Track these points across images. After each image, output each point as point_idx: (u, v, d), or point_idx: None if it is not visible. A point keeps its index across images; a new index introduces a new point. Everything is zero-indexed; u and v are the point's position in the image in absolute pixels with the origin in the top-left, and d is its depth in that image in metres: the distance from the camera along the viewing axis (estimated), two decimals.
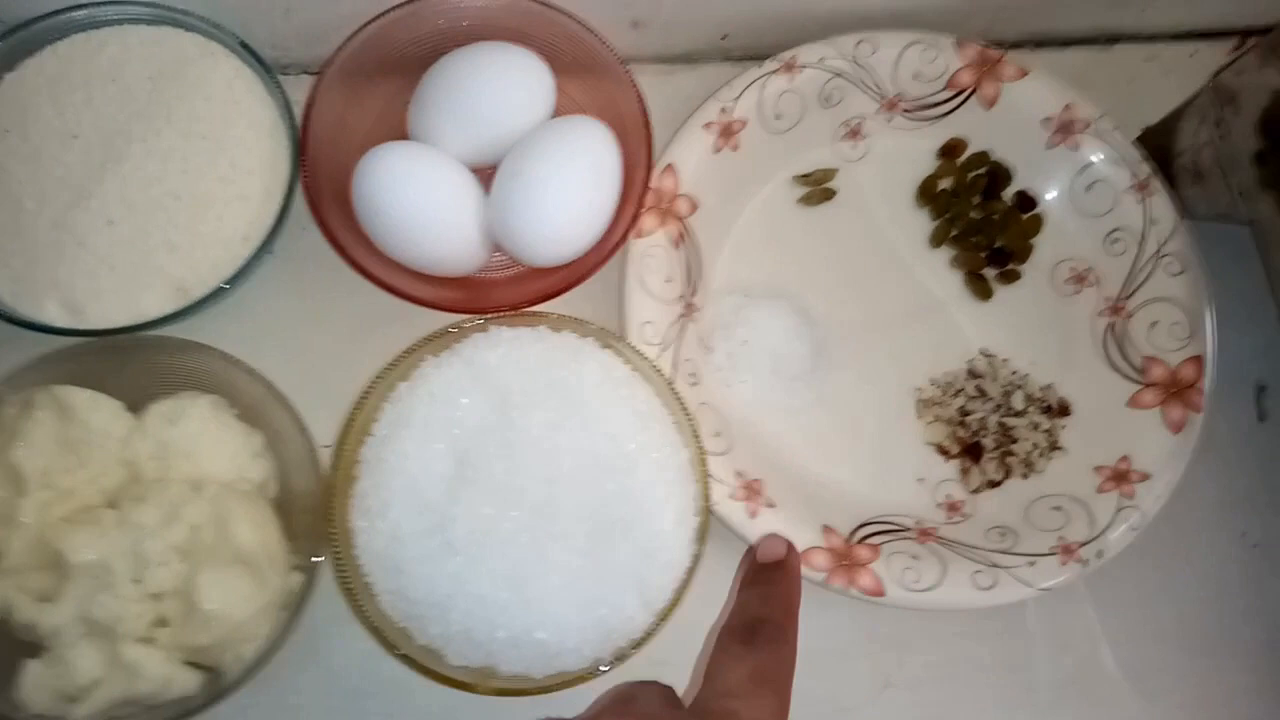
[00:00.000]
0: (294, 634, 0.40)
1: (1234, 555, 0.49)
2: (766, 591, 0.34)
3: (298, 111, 0.45)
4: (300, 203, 0.44)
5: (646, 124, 0.45)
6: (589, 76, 0.47)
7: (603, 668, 0.38)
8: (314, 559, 0.40)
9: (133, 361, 0.42)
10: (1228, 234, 0.48)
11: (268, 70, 0.46)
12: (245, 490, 0.41)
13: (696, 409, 0.45)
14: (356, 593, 0.38)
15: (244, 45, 0.46)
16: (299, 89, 0.46)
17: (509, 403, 0.40)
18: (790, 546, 0.35)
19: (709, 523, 0.41)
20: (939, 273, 0.50)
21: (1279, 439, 0.50)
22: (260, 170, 0.45)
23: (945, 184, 0.51)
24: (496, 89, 0.44)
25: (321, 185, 0.44)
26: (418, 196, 0.42)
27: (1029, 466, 0.47)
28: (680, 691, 0.30)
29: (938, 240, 0.50)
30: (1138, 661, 0.47)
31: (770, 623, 0.31)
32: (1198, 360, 0.47)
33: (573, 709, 0.29)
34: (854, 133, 0.51)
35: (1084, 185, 0.50)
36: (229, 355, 0.42)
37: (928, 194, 0.51)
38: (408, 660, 0.38)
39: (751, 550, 0.35)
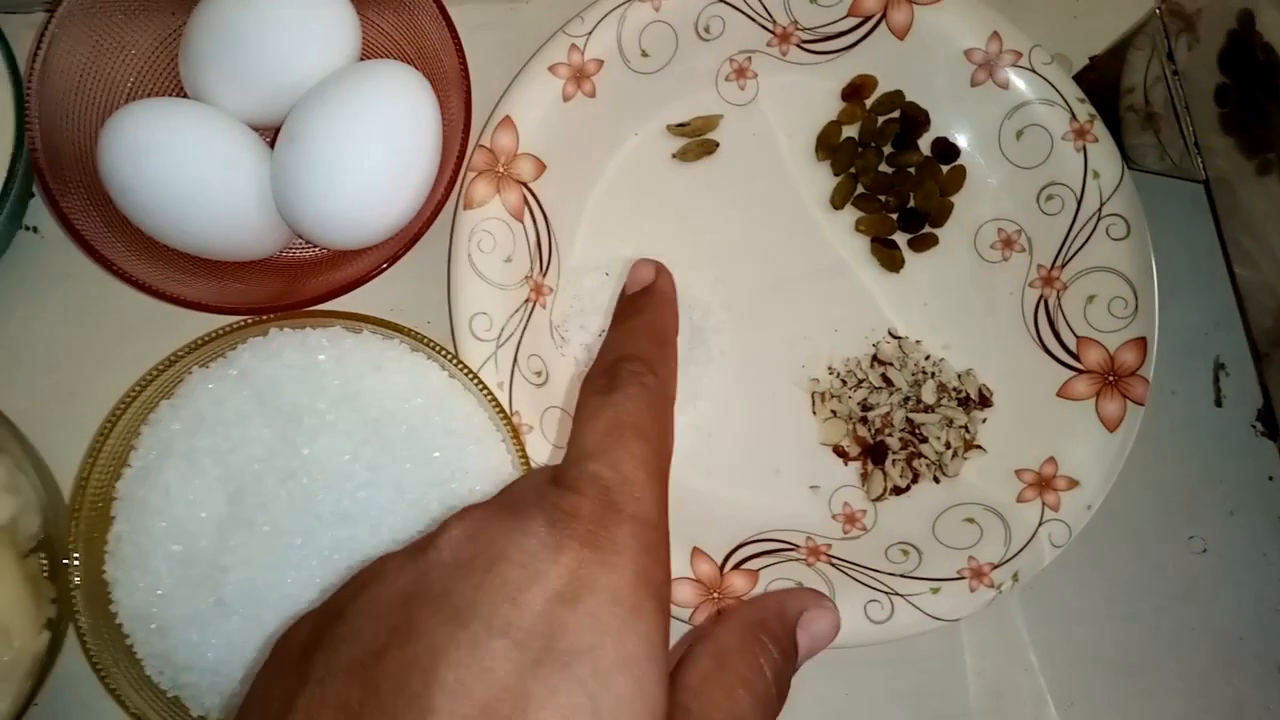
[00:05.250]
0: (43, 706, 0.33)
1: (1180, 563, 0.42)
2: (631, 325, 0.30)
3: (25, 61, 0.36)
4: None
5: (461, 63, 0.36)
6: (399, 9, 0.38)
7: None
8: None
9: None
10: (1171, 190, 0.40)
11: None
12: None
13: (542, 414, 0.38)
14: (102, 665, 0.32)
15: None
16: (28, 31, 0.37)
17: (293, 425, 0.34)
18: (660, 267, 0.32)
19: None
20: (841, 240, 0.42)
21: (1234, 426, 0.43)
22: None
23: (850, 132, 0.43)
24: (278, 27, 0.35)
25: (62, 157, 0.35)
26: (175, 169, 0.34)
27: (940, 469, 0.40)
28: None
29: (840, 200, 0.42)
30: (1066, 686, 0.41)
31: (631, 358, 0.27)
32: (1141, 343, 0.39)
33: None
34: (740, 72, 0.43)
35: (1014, 131, 0.42)
36: None
37: (829, 145, 0.43)
38: None
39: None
